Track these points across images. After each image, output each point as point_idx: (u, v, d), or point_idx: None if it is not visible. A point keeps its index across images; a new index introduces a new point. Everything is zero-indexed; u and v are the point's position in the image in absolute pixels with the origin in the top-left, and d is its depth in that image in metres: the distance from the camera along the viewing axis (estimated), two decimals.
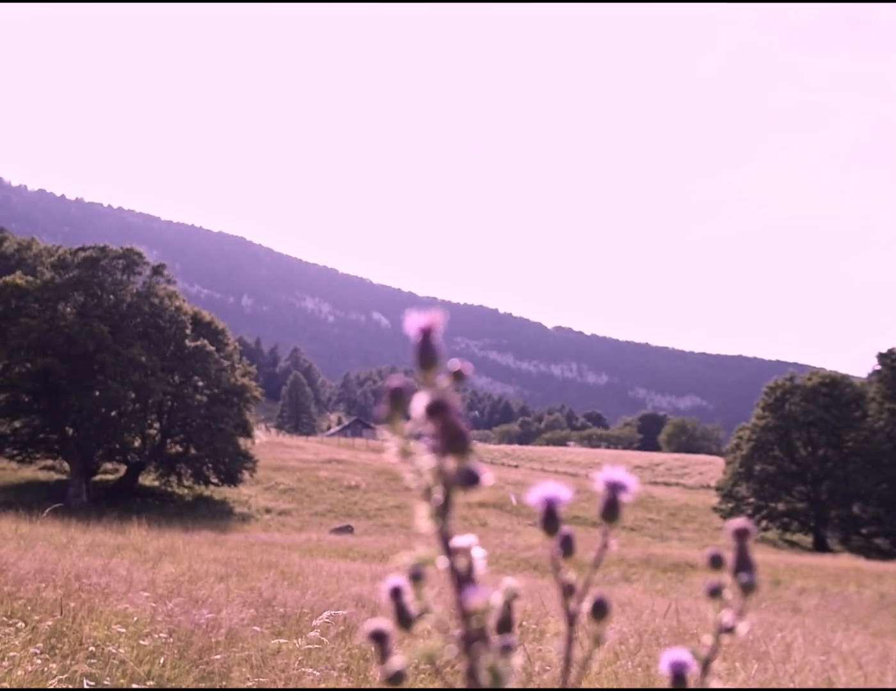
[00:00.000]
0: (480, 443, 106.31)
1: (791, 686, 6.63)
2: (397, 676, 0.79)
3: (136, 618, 7.43)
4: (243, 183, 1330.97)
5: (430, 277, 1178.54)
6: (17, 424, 44.94)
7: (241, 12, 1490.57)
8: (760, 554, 36.60)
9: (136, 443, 47.21)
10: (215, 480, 47.42)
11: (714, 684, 0.82)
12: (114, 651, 6.25)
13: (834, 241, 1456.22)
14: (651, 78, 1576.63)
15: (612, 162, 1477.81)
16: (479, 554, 0.76)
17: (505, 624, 0.76)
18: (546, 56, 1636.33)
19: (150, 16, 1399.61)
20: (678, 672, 0.82)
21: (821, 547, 52.07)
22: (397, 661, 0.79)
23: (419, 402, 0.73)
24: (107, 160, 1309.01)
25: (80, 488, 42.59)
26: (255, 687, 5.89)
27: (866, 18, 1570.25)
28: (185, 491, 48.22)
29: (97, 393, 42.67)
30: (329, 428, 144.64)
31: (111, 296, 46.63)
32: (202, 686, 5.97)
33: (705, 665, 0.83)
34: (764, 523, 54.75)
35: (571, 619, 0.78)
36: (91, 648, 6.30)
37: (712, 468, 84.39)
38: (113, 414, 44.41)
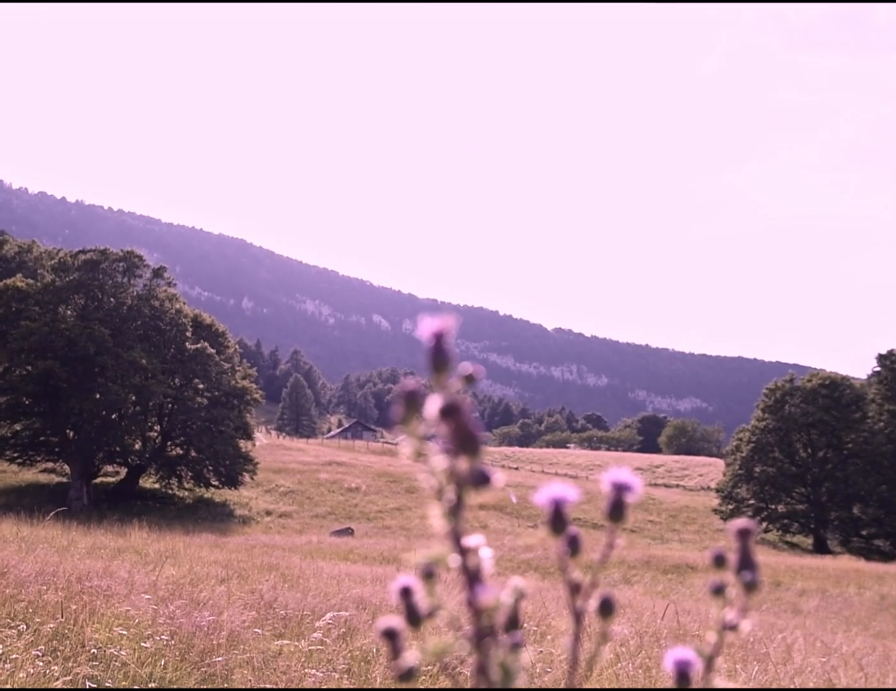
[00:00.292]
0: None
1: (792, 687, 6.65)
2: (409, 673, 0.80)
3: (137, 621, 7.44)
4: (244, 185, 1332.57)
5: (430, 279, 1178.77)
6: (17, 427, 44.97)
7: (241, 13, 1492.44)
8: (761, 556, 36.53)
9: (137, 446, 47.25)
10: (216, 483, 47.44)
11: (718, 681, 0.83)
12: (115, 653, 6.26)
13: (834, 242, 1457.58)
14: (651, 78, 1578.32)
15: (612, 162, 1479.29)
16: (487, 554, 0.77)
17: (513, 623, 0.77)
18: (546, 57, 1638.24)
19: (150, 17, 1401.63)
20: (683, 670, 0.83)
21: (821, 548, 52.07)
22: (410, 657, 0.80)
23: (433, 405, 0.75)
24: (107, 162, 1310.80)
25: (81, 491, 42.60)
26: (256, 689, 5.90)
27: (866, 18, 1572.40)
28: (186, 493, 48.25)
29: (98, 395, 42.68)
30: (329, 430, 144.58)
31: (112, 299, 46.67)
32: (204, 687, 5.98)
33: (709, 662, 0.85)
34: (764, 525, 54.77)
35: (578, 617, 0.79)
36: (93, 650, 6.32)
37: (712, 470, 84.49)
38: (113, 416, 44.44)
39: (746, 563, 0.87)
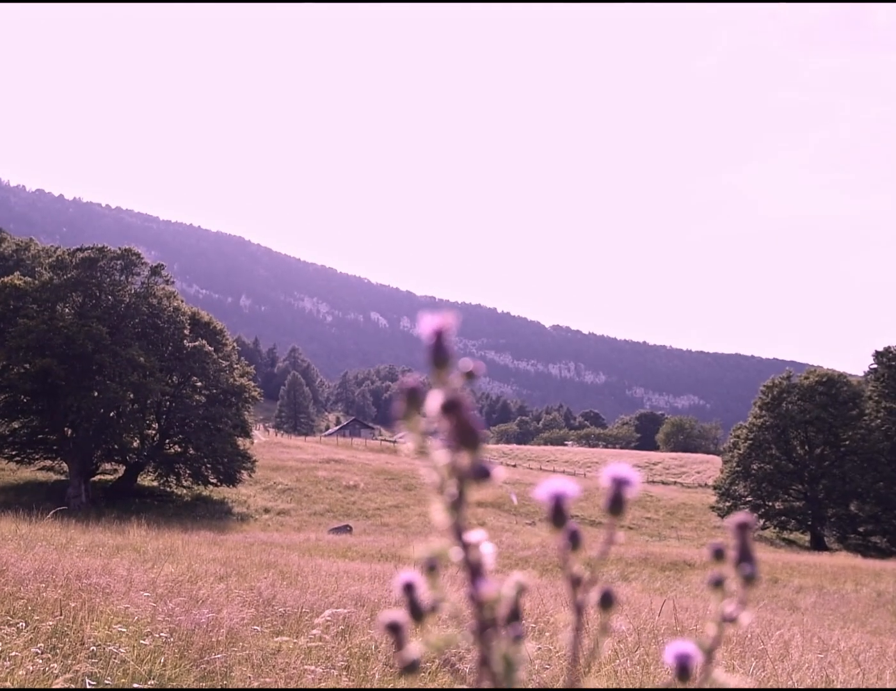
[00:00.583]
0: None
1: (789, 684, 6.67)
2: (413, 665, 0.81)
3: (136, 618, 7.46)
4: (241, 183, 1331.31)
5: (428, 277, 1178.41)
6: (15, 425, 44.96)
7: (239, 12, 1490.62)
8: (758, 553, 36.47)
9: (135, 444, 47.25)
10: (214, 480, 47.46)
11: (719, 674, 0.85)
12: (115, 650, 6.28)
13: (831, 241, 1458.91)
14: (650, 78, 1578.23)
15: (612, 161, 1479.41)
16: (487, 549, 0.78)
17: (513, 616, 0.78)
18: (545, 56, 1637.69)
19: (148, 15, 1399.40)
20: (683, 663, 0.85)
21: (818, 545, 52.19)
22: (414, 650, 0.81)
23: (434, 400, 0.77)
24: (105, 160, 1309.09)
25: (79, 488, 42.60)
26: (256, 686, 5.92)
27: (865, 18, 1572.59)
28: (184, 491, 48.27)
29: (96, 393, 42.68)
30: (327, 428, 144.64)
31: (109, 297, 46.66)
32: (203, 685, 6.00)
33: (709, 654, 0.86)
34: (761, 522, 54.83)
35: (579, 610, 0.80)
36: (92, 648, 6.34)
37: (710, 467, 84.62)
38: (111, 414, 44.43)
39: (745, 557, 0.89)
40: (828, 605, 17.88)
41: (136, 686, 5.73)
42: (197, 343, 47.75)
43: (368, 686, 6.18)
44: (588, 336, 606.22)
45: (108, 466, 48.39)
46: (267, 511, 46.49)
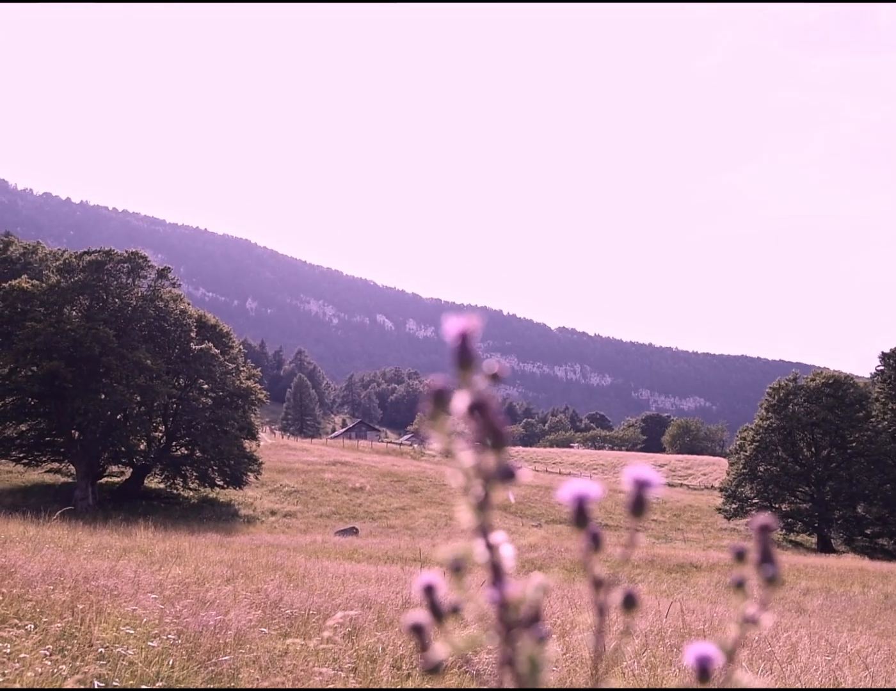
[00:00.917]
0: None
1: (797, 686, 6.66)
2: (438, 666, 0.82)
3: (144, 620, 7.48)
4: (248, 186, 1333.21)
5: (434, 279, 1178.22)
6: (23, 427, 45.07)
7: (244, 13, 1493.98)
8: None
9: (142, 446, 47.34)
10: (220, 482, 47.55)
11: (740, 675, 0.85)
12: (123, 652, 6.29)
13: (836, 241, 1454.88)
14: (653, 79, 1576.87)
15: (615, 163, 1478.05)
16: (508, 551, 0.79)
17: (535, 617, 0.79)
18: (549, 58, 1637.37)
19: (154, 17, 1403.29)
20: (704, 665, 0.85)
21: (825, 547, 52.01)
22: (440, 650, 0.82)
23: (461, 401, 0.77)
24: (112, 163, 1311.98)
25: (86, 491, 42.71)
26: (265, 687, 5.93)
27: (866, 18, 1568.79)
28: (191, 493, 48.35)
29: (103, 396, 42.78)
30: (334, 430, 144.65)
31: (116, 300, 46.78)
32: (211, 686, 6.01)
33: (731, 655, 0.86)
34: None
35: (602, 611, 0.81)
36: (100, 650, 6.35)
37: (716, 469, 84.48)
38: (118, 417, 44.53)
39: (767, 558, 0.89)
40: (835, 608, 17.83)
41: (144, 687, 5.74)
42: (203, 346, 47.85)
43: (376, 687, 6.19)
44: (594, 338, 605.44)
45: (115, 468, 48.52)
46: (273, 513, 46.55)
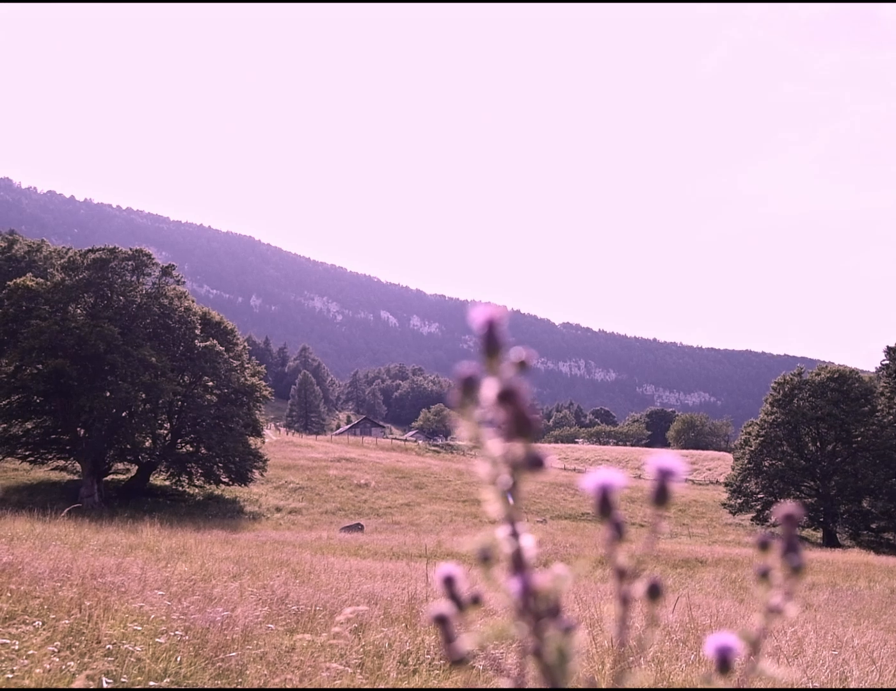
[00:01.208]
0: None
1: (803, 680, 6.66)
2: (464, 658, 0.82)
3: (151, 616, 7.50)
4: (251, 183, 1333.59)
5: (438, 275, 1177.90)
6: (29, 425, 45.15)
7: (247, 13, 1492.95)
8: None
9: (147, 444, 47.44)
10: (226, 479, 47.63)
11: (767, 665, 0.85)
12: (130, 648, 6.31)
13: (841, 236, 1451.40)
14: (658, 76, 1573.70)
15: (620, 159, 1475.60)
16: (529, 541, 0.78)
17: (555, 609, 0.78)
18: (556, 56, 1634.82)
19: (157, 16, 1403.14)
20: (724, 656, 0.84)
21: (830, 542, 51.94)
22: (468, 641, 0.81)
23: (489, 389, 0.76)
24: (115, 161, 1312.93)
25: (92, 488, 42.81)
26: (273, 685, 5.94)
27: (870, 14, 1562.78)
28: (196, 490, 48.43)
29: (108, 393, 42.85)
30: (338, 426, 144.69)
31: (121, 298, 46.84)
32: (219, 683, 6.03)
33: (755, 646, 0.86)
34: (773, 519, 54.60)
35: (626, 601, 0.81)
36: (108, 646, 6.37)
37: (721, 464, 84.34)
38: (124, 414, 44.61)
39: (792, 547, 0.88)
40: (841, 602, 17.79)
41: (151, 684, 5.76)
42: (208, 343, 47.91)
43: (384, 684, 6.20)
44: (598, 333, 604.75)
45: (120, 466, 48.61)
46: (279, 509, 46.62)
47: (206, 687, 5.99)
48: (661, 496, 0.85)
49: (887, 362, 58.80)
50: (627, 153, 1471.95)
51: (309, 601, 9.52)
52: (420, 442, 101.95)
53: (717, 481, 74.39)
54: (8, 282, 45.69)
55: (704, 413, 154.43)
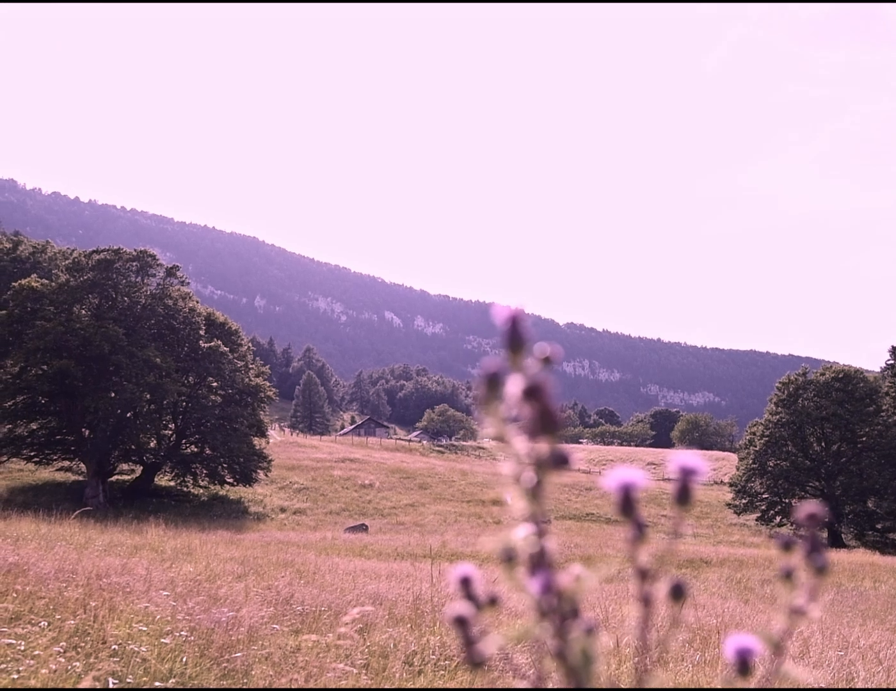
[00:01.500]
0: (493, 442, 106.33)
1: (809, 681, 6.63)
2: (483, 661, 0.81)
3: (156, 617, 7.51)
4: (255, 184, 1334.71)
5: (442, 276, 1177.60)
6: (34, 426, 45.20)
7: (251, 13, 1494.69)
8: (776, 551, 36.44)
9: (152, 444, 47.48)
10: (230, 480, 47.66)
11: (791, 667, 0.84)
12: (136, 649, 6.32)
13: (845, 235, 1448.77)
14: (661, 76, 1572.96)
15: (623, 159, 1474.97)
16: (552, 541, 0.77)
17: (574, 610, 0.77)
18: (558, 57, 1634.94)
19: (161, 16, 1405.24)
20: (744, 658, 0.82)
21: (835, 542, 51.85)
22: (492, 642, 0.80)
23: (515, 385, 0.75)
24: (120, 162, 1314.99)
25: (97, 489, 42.87)
26: (279, 685, 5.95)
27: (872, 13, 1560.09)
28: (201, 490, 48.48)
29: (113, 394, 42.91)
30: (342, 427, 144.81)
31: (125, 298, 46.92)
32: (224, 683, 6.03)
33: (778, 647, 0.84)
34: (778, 519, 54.56)
35: (648, 602, 0.79)
36: (114, 646, 6.38)
37: (725, 464, 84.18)
38: (128, 415, 44.65)
39: (816, 548, 0.86)
40: (846, 602, 17.75)
41: (157, 684, 5.76)
42: (212, 343, 47.96)
43: (389, 684, 6.20)
44: (602, 333, 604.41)
45: (125, 466, 48.67)
46: (283, 510, 46.65)
47: (211, 687, 5.99)
48: (683, 495, 0.84)
49: (892, 362, 58.70)
50: (630, 153, 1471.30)
51: (314, 601, 9.52)
52: (424, 442, 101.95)
53: (721, 481, 74.27)
54: (13, 284, 45.81)
55: (709, 413, 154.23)
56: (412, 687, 6.25)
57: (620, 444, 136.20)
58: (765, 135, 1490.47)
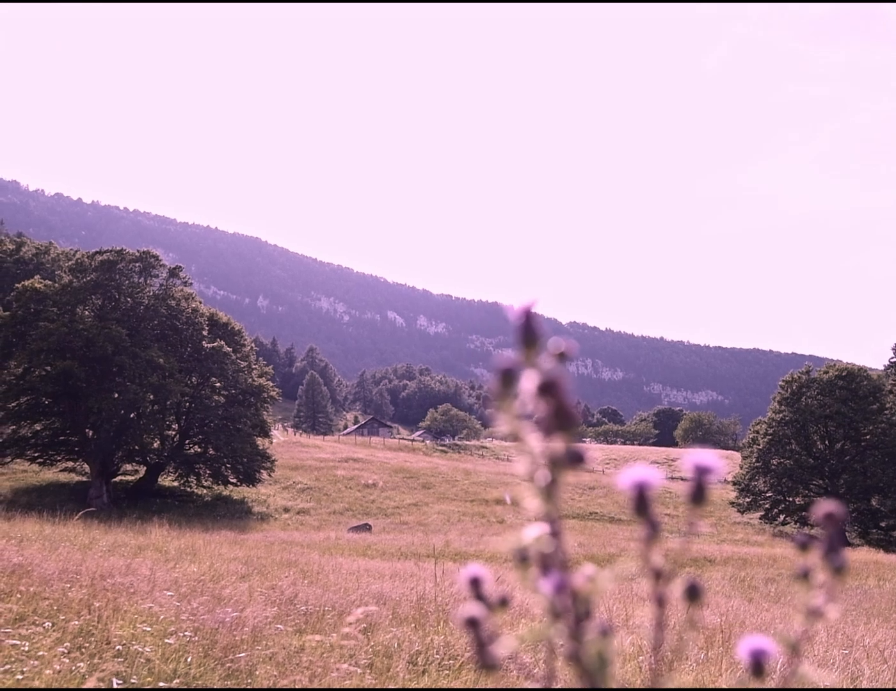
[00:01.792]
0: (496, 441, 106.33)
1: (827, 683, 6.62)
2: (496, 663, 0.79)
3: (161, 617, 7.51)
4: (257, 184, 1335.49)
5: (445, 275, 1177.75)
6: (37, 427, 45.25)
7: (254, 13, 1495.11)
8: (779, 549, 36.46)
9: (156, 445, 47.51)
10: (234, 480, 47.68)
11: (808, 669, 0.82)
12: (140, 649, 6.31)
13: (847, 234, 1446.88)
14: (662, 76, 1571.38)
15: (625, 159, 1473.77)
16: (567, 541, 0.76)
17: (587, 612, 0.75)
18: (559, 56, 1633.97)
19: (163, 17, 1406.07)
20: (758, 659, 0.81)
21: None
22: (507, 644, 0.79)
23: (529, 381, 0.73)
24: (122, 163, 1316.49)
25: (101, 489, 42.90)
26: (282, 685, 5.94)
27: (873, 13, 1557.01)
28: (204, 491, 48.51)
29: (116, 395, 42.94)
30: (346, 427, 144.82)
31: (128, 299, 46.94)
32: (228, 684, 6.03)
33: (795, 649, 0.82)
34: (781, 517, 54.49)
35: (662, 603, 0.78)
36: (118, 647, 6.38)
37: (729, 462, 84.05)
38: (132, 415, 44.69)
39: (834, 547, 0.84)
40: (850, 601, 17.72)
41: (161, 685, 5.76)
42: (215, 344, 47.97)
43: (393, 684, 6.19)
44: (605, 332, 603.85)
45: (129, 467, 48.70)
46: (286, 510, 46.64)
47: (215, 687, 5.99)
48: (698, 495, 0.82)
49: (895, 360, 58.60)
50: (632, 153, 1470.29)
51: (318, 601, 9.52)
52: (427, 442, 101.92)
53: (724, 480, 74.18)
54: (16, 285, 45.87)
55: (712, 411, 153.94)
56: (416, 686, 6.24)
57: (623, 443, 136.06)
58: (765, 134, 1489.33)
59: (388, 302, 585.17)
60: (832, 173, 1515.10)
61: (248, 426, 48.11)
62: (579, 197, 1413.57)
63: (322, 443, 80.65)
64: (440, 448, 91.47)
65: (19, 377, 42.77)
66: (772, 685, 0.82)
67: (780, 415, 56.83)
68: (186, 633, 6.88)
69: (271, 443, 52.10)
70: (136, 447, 45.68)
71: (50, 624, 6.70)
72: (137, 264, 47.46)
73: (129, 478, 49.01)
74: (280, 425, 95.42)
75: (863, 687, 6.73)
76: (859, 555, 34.80)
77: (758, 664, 0.81)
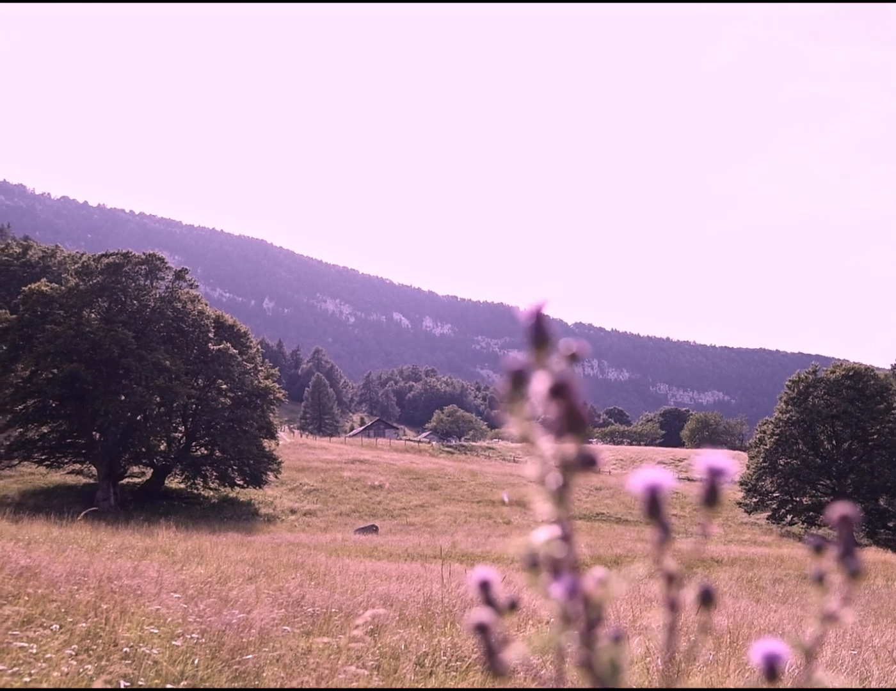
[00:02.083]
0: (503, 442, 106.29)
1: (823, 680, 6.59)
2: (507, 669, 0.78)
3: (168, 619, 7.51)
4: (263, 186, 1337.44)
5: (450, 277, 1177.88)
6: (44, 429, 45.38)
7: (256, 14, 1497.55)
8: (787, 549, 36.38)
9: (162, 447, 47.58)
10: (240, 482, 47.73)
11: (823, 674, 0.80)
12: (147, 651, 6.31)
13: (854, 233, 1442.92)
14: (667, 75, 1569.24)
15: (629, 159, 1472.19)
16: (578, 545, 0.74)
17: (598, 617, 0.74)
18: (563, 56, 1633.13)
19: (169, 17, 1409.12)
20: (772, 663, 0.80)
21: None
22: (517, 651, 0.77)
23: (540, 383, 0.72)
24: (128, 166, 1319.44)
25: (108, 492, 42.99)
26: (286, 686, 5.94)
27: (878, 12, 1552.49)
28: (211, 493, 48.57)
29: (123, 397, 43.04)
30: (352, 428, 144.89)
31: (135, 302, 47.03)
32: (236, 685, 6.03)
33: (810, 654, 0.81)
34: (789, 518, 54.34)
35: (674, 606, 0.77)
36: (125, 649, 6.38)
37: (736, 463, 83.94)
38: (138, 418, 44.76)
39: (849, 551, 0.83)
40: (858, 601, 17.67)
41: (169, 686, 5.76)
42: (222, 346, 48.04)
43: (400, 686, 6.19)
44: (611, 333, 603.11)
45: (135, 469, 48.79)
46: (293, 512, 46.68)
47: (223, 688, 5.99)
48: (711, 497, 0.81)
49: None
50: (637, 153, 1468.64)
51: (325, 603, 9.52)
52: (434, 443, 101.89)
53: (731, 480, 74.07)
54: (23, 288, 45.97)
55: (718, 412, 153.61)
56: (423, 687, 6.23)
57: (630, 444, 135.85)
58: (766, 134, 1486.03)
59: (394, 303, 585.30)
60: (837, 171, 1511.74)
61: (254, 428, 48.16)
62: (583, 198, 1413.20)
63: (328, 444, 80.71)
64: (446, 449, 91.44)
65: (26, 380, 42.89)
66: (783, 687, 0.80)
67: (787, 414, 56.68)
68: (194, 635, 6.88)
69: (278, 444, 52.13)
70: (143, 449, 45.75)
71: (58, 627, 6.70)
72: (143, 267, 47.55)
73: (136, 480, 49.12)
74: (286, 427, 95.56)
75: (872, 687, 6.71)
76: (867, 555, 34.68)
77: (771, 668, 0.80)
